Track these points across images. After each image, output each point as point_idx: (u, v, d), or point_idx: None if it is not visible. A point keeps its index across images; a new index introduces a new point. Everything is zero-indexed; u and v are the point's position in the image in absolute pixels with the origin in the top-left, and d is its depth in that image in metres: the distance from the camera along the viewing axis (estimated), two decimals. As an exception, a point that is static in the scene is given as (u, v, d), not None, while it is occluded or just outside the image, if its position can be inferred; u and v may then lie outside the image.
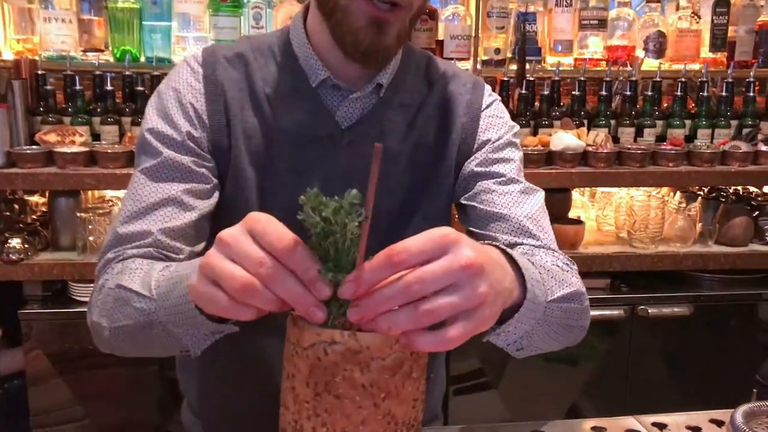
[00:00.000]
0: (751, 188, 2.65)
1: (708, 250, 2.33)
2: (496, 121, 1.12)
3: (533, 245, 1.02)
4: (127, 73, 2.34)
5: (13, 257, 2.09)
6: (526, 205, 1.06)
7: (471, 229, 1.09)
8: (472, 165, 1.10)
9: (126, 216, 0.98)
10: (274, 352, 0.72)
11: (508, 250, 0.79)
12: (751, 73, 2.50)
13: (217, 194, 1.04)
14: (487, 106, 1.13)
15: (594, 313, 2.17)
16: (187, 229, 0.99)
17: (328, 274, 0.63)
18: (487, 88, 1.16)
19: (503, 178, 1.08)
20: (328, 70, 1.03)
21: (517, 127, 1.17)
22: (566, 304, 0.89)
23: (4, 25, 2.43)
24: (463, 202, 1.10)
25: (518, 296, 0.78)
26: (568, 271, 0.97)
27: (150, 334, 0.85)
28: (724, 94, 2.50)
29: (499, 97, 1.18)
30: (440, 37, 2.53)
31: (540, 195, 1.09)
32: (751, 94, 2.50)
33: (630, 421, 1.08)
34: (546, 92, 2.45)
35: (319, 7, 1.00)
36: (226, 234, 0.64)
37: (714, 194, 2.54)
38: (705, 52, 2.66)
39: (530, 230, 1.03)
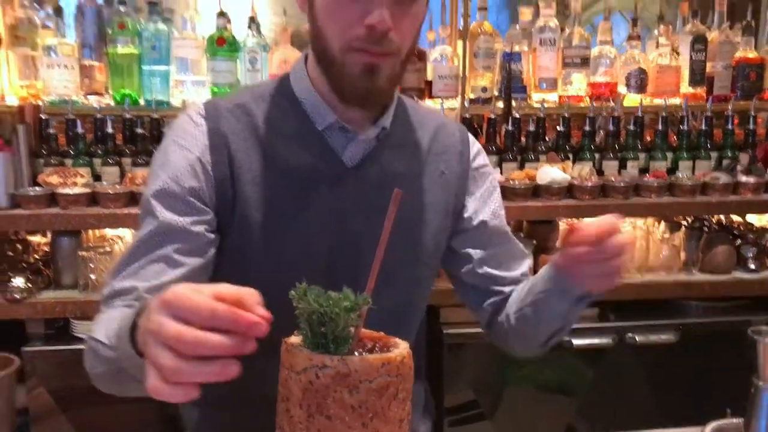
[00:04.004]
0: (734, 217, 2.72)
1: (692, 278, 2.40)
2: (483, 171, 1.26)
3: None
4: (127, 115, 2.41)
5: (17, 296, 2.14)
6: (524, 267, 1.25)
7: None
8: (476, 219, 1.23)
9: (119, 272, 1.05)
10: (272, 377, 0.78)
11: None
12: (729, 107, 2.60)
13: (213, 249, 1.09)
14: (475, 157, 1.25)
15: (584, 341, 2.27)
16: (172, 284, 1.03)
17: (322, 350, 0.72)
18: (471, 136, 1.28)
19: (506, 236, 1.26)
20: (335, 114, 1.11)
21: (494, 172, 1.33)
22: None
23: (9, 71, 2.52)
24: (465, 251, 1.25)
25: None
26: None
27: (123, 377, 0.89)
28: (703, 127, 2.59)
29: (480, 145, 1.30)
30: (429, 78, 2.62)
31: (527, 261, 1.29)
32: (730, 126, 2.59)
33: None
34: (532, 128, 2.54)
35: (318, 61, 1.08)
36: (153, 320, 0.69)
37: (697, 224, 2.61)
38: (685, 87, 2.76)
39: None
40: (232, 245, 1.11)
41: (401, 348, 0.76)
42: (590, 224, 0.97)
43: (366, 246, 1.07)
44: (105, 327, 0.93)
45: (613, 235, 0.97)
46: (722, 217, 2.72)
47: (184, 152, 1.08)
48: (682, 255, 2.47)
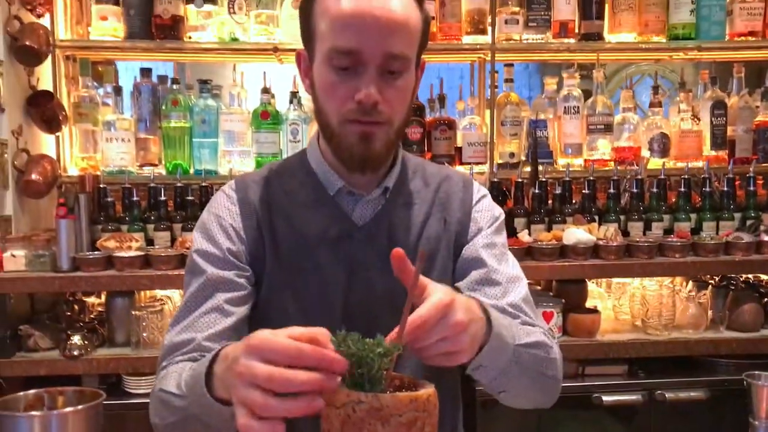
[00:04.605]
0: (762, 276, 2.78)
1: (720, 336, 2.45)
2: (484, 214, 1.34)
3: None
4: (179, 184, 2.59)
5: (74, 353, 2.29)
6: (511, 294, 1.26)
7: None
8: (467, 253, 1.30)
9: (176, 327, 1.19)
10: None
11: (485, 304, 1.03)
12: (751, 169, 2.68)
13: (252, 300, 1.24)
14: (477, 202, 1.35)
15: (613, 398, 2.33)
16: (227, 332, 1.19)
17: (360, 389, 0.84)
18: (476, 184, 1.38)
19: (490, 268, 1.28)
20: (342, 180, 1.26)
21: (502, 216, 1.37)
22: (534, 350, 1.12)
23: (71, 145, 2.75)
24: (460, 288, 1.29)
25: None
26: (542, 334, 1.18)
27: (193, 426, 1.03)
28: (725, 188, 2.68)
29: (488, 192, 1.39)
30: (459, 144, 2.78)
31: (523, 283, 1.29)
32: (752, 188, 2.67)
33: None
34: (558, 191, 2.65)
35: (323, 134, 1.24)
36: (241, 364, 0.80)
37: (724, 282, 2.67)
38: (707, 150, 2.87)
39: (517, 315, 1.23)
40: (263, 299, 1.26)
41: (427, 388, 0.88)
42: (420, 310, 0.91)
43: (378, 295, 1.22)
44: (175, 380, 1.07)
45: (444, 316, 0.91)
46: (750, 276, 2.77)
47: (219, 220, 1.25)
48: (710, 313, 2.53)
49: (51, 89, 2.67)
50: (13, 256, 2.33)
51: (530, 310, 1.27)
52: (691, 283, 2.68)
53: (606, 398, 2.33)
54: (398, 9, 1.12)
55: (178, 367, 1.11)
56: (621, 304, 2.67)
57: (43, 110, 2.58)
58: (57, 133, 2.69)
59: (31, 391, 1.29)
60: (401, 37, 1.13)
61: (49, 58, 2.62)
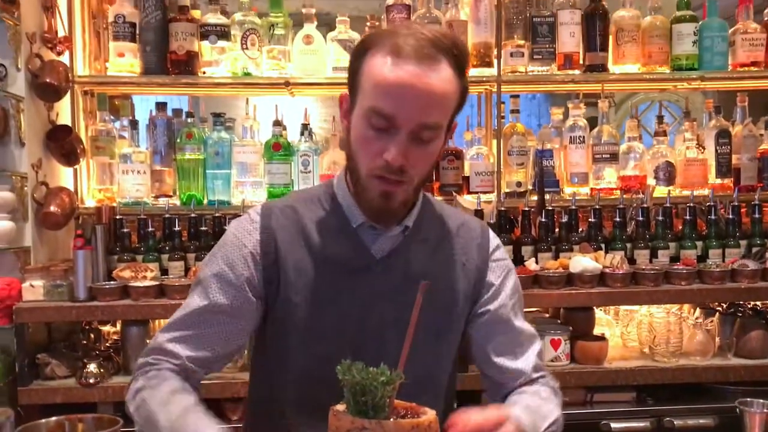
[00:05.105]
0: (770, 303, 2.79)
1: (727, 363, 2.47)
2: (500, 263, 1.42)
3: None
4: (193, 215, 2.65)
5: (90, 381, 2.34)
6: (530, 356, 1.38)
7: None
8: (483, 308, 1.39)
9: (170, 333, 1.28)
10: None
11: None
12: (756, 196, 2.71)
13: (246, 337, 1.34)
14: (494, 251, 1.42)
15: (622, 425, 2.35)
16: (209, 361, 1.29)
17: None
18: (492, 233, 1.45)
19: (508, 325, 1.39)
20: (365, 215, 1.32)
21: (512, 266, 1.46)
22: (552, 428, 1.27)
23: (89, 178, 2.83)
24: (476, 338, 1.40)
25: None
26: (553, 394, 1.36)
27: None
28: (731, 216, 2.70)
29: (500, 241, 1.47)
30: (466, 174, 2.83)
31: (538, 343, 1.42)
32: (758, 215, 2.69)
33: None
34: (565, 220, 2.68)
35: (350, 176, 1.31)
36: None
37: (732, 309, 2.69)
38: (712, 178, 2.90)
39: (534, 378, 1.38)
40: (276, 318, 1.33)
41: (429, 414, 0.92)
42: (475, 416, 1.07)
43: (389, 325, 1.28)
44: (164, 405, 1.17)
45: (496, 429, 1.07)
46: (759, 303, 2.79)
47: (239, 245, 1.32)
48: (717, 340, 2.55)
49: (69, 123, 2.75)
50: (32, 286, 2.40)
51: (540, 357, 1.41)
52: (698, 310, 2.70)
53: (614, 425, 2.35)
54: (437, 83, 1.18)
55: (169, 386, 1.21)
56: (629, 332, 2.69)
57: (62, 144, 2.65)
58: (75, 166, 2.77)
59: (53, 419, 1.35)
60: (437, 108, 1.21)
61: (68, 93, 2.71)
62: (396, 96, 1.17)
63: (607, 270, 2.48)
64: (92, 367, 2.37)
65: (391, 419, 0.89)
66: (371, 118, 1.20)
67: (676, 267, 2.53)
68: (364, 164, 1.24)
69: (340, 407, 0.92)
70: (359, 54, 1.25)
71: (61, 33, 2.72)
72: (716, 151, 2.89)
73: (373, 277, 1.31)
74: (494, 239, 1.44)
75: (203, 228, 2.62)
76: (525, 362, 1.37)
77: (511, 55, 2.81)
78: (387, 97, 1.18)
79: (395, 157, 1.19)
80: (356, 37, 2.75)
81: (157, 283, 2.43)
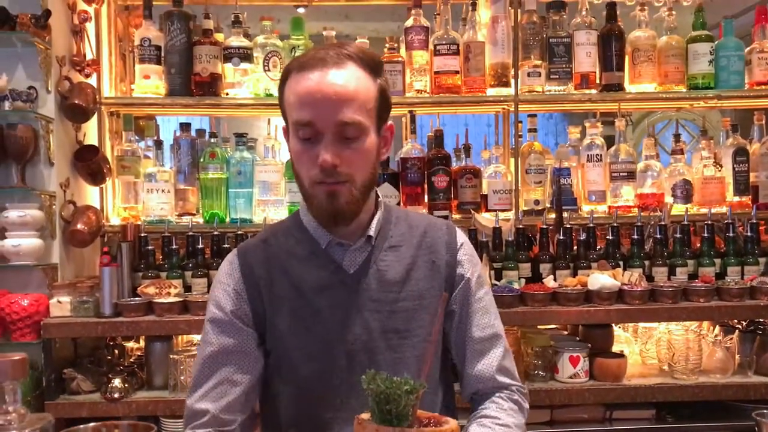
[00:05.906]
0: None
1: (748, 381, 2.46)
2: (469, 258, 1.48)
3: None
4: (215, 232, 2.70)
5: (115, 395, 2.39)
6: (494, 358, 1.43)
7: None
8: (456, 304, 1.44)
9: (195, 394, 1.35)
10: None
11: None
12: (775, 214, 2.73)
13: (261, 364, 1.38)
14: (461, 246, 1.48)
15: (642, 443, 2.33)
16: (237, 401, 1.35)
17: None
18: (459, 231, 1.51)
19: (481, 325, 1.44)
20: (330, 234, 1.39)
21: (480, 264, 1.52)
22: None
23: (114, 197, 2.90)
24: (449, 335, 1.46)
25: None
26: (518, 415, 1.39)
27: None
28: (749, 233, 2.71)
29: (466, 239, 1.52)
30: (484, 192, 2.86)
31: (503, 343, 1.47)
32: (776, 233, 2.71)
33: None
34: (583, 237, 2.69)
35: (301, 195, 1.38)
36: None
37: (752, 327, 2.68)
38: (730, 196, 2.91)
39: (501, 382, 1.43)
40: (270, 347, 1.39)
41: (451, 423, 0.95)
42: None
43: (375, 334, 1.34)
44: None
45: None
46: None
47: (223, 286, 1.41)
48: (737, 357, 2.54)
49: (96, 144, 2.83)
50: (59, 302, 2.46)
51: (509, 362, 1.46)
52: (717, 327, 2.70)
53: (634, 443, 2.35)
54: (343, 81, 1.27)
55: None
56: (647, 349, 2.69)
57: (89, 164, 2.72)
58: (101, 185, 2.84)
59: (90, 425, 1.40)
60: (351, 106, 1.27)
61: (95, 114, 2.78)
62: (309, 103, 1.26)
63: (625, 287, 2.49)
64: (117, 382, 2.42)
65: (415, 428, 0.93)
66: (298, 132, 1.29)
67: (694, 284, 2.53)
68: (305, 176, 1.31)
69: (365, 416, 0.95)
70: (282, 82, 1.35)
71: (89, 56, 2.80)
72: (734, 169, 2.90)
73: (349, 292, 1.37)
74: (461, 236, 1.49)
75: (226, 246, 2.67)
76: (487, 365, 1.42)
77: (528, 75, 2.85)
78: (302, 107, 1.27)
79: (324, 159, 1.26)
80: (376, 58, 2.79)
81: (181, 299, 2.48)
